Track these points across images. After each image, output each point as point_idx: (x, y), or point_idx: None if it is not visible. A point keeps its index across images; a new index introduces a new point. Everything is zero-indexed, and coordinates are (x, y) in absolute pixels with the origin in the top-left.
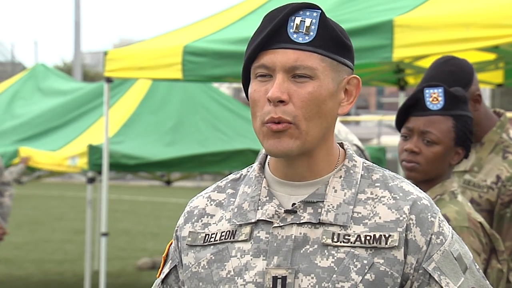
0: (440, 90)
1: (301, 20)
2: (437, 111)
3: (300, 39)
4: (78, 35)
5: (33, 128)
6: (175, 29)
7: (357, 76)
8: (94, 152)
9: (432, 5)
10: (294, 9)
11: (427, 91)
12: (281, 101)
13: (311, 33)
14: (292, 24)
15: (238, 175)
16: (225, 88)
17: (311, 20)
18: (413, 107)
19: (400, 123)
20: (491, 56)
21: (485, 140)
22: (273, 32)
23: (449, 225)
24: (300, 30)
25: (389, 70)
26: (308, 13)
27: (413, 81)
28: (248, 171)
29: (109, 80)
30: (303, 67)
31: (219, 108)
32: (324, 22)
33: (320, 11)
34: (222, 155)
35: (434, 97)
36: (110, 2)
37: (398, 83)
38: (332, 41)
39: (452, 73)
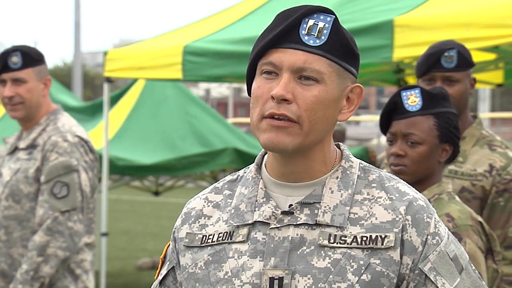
0: (417, 90)
1: (314, 23)
2: (416, 112)
3: (311, 41)
4: (78, 35)
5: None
6: (175, 29)
7: (361, 86)
8: None
9: (432, 5)
10: (309, 12)
11: (404, 93)
12: (285, 100)
13: (323, 37)
14: (305, 26)
15: (235, 176)
16: (225, 88)
17: (324, 24)
18: (393, 111)
19: (384, 129)
20: (491, 56)
21: (466, 135)
22: (285, 31)
23: (454, 223)
24: (312, 33)
25: (389, 70)
26: (322, 17)
27: (413, 81)
28: (245, 172)
29: (109, 80)
30: (311, 70)
31: (207, 118)
32: (336, 28)
33: (334, 16)
34: (205, 155)
35: (412, 99)
36: (110, 2)
37: (398, 83)
38: (342, 47)
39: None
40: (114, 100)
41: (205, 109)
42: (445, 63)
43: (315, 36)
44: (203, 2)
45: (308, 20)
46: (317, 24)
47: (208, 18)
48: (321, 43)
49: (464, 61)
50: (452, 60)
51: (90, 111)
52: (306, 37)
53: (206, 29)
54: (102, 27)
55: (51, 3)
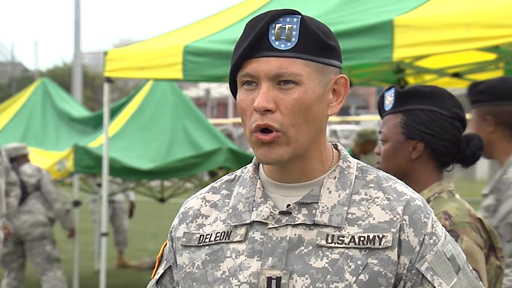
0: (392, 90)
1: (281, 27)
2: (389, 111)
3: (282, 46)
4: (78, 35)
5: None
6: (175, 29)
7: (345, 76)
8: (79, 152)
9: (432, 5)
10: (274, 17)
11: (385, 94)
12: (268, 110)
13: (293, 39)
14: (273, 31)
15: (232, 176)
16: (225, 88)
17: (292, 26)
18: (379, 111)
19: None
20: (491, 56)
21: None
22: (255, 41)
23: (451, 221)
24: (281, 37)
25: (389, 70)
26: (288, 19)
27: (413, 81)
28: (243, 172)
29: (109, 80)
30: (288, 74)
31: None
32: (305, 27)
33: (300, 16)
34: (200, 157)
35: (388, 99)
36: (110, 2)
37: (398, 83)
38: (315, 44)
39: None
40: (116, 110)
41: (196, 116)
42: None
43: (285, 39)
44: (203, 2)
45: (275, 25)
46: (285, 28)
47: (209, 18)
48: (292, 45)
49: None
50: None
51: (93, 123)
52: (277, 42)
53: (206, 29)
54: (102, 27)
55: (51, 3)
